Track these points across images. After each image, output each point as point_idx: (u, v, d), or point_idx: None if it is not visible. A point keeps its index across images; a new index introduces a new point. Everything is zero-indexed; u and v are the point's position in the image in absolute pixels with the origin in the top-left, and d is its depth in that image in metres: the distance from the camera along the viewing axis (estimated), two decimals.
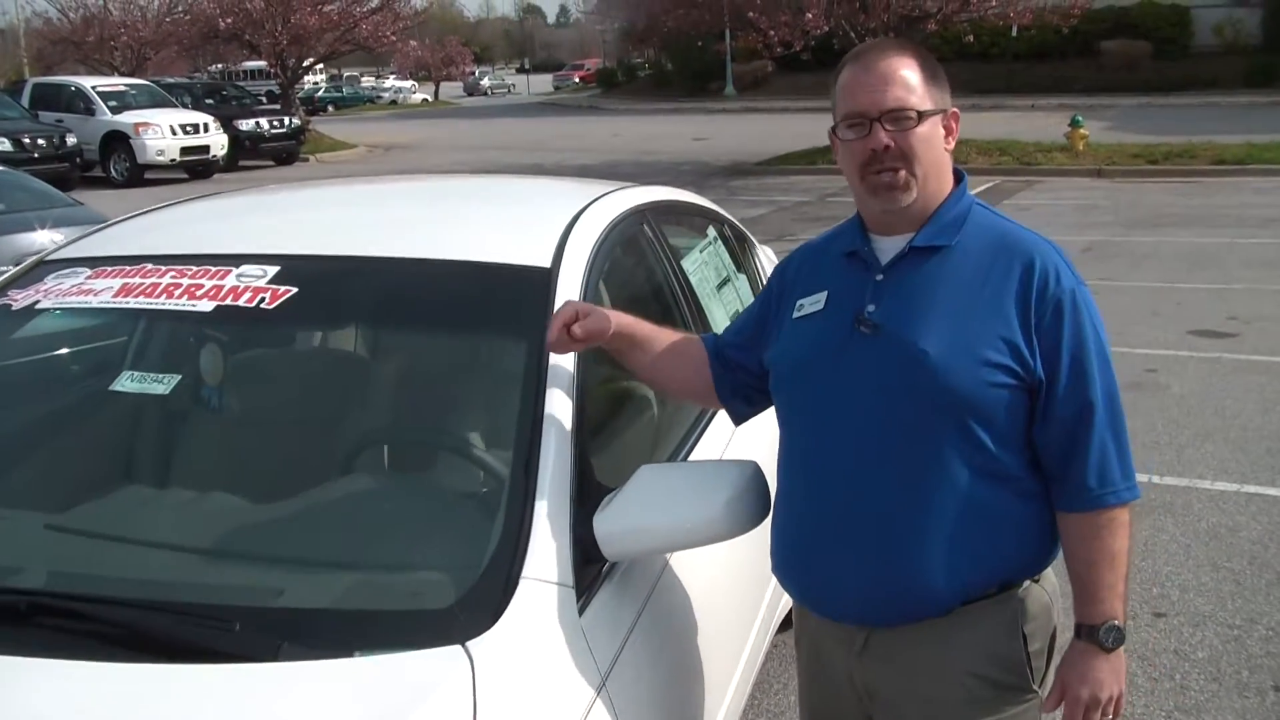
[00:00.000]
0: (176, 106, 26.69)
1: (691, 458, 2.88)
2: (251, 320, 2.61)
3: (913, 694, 2.23)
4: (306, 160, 29.67)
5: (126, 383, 2.64)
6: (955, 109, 2.21)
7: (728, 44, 38.43)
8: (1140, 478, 2.23)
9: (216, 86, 33.69)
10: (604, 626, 2.14)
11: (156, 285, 2.64)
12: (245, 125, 27.71)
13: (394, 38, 35.31)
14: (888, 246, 2.22)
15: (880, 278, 2.20)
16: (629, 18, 45.09)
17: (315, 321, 2.88)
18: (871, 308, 2.17)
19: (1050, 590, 2.26)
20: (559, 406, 2.34)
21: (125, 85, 27.60)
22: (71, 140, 23.23)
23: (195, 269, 2.67)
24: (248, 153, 27.71)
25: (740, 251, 4.30)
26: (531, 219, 3.04)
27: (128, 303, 2.63)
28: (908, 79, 2.13)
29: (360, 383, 2.87)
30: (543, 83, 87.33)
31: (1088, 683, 2.15)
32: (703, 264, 3.69)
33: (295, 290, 2.58)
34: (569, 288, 2.63)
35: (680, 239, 3.97)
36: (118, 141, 24.74)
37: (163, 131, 24.55)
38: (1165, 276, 11.45)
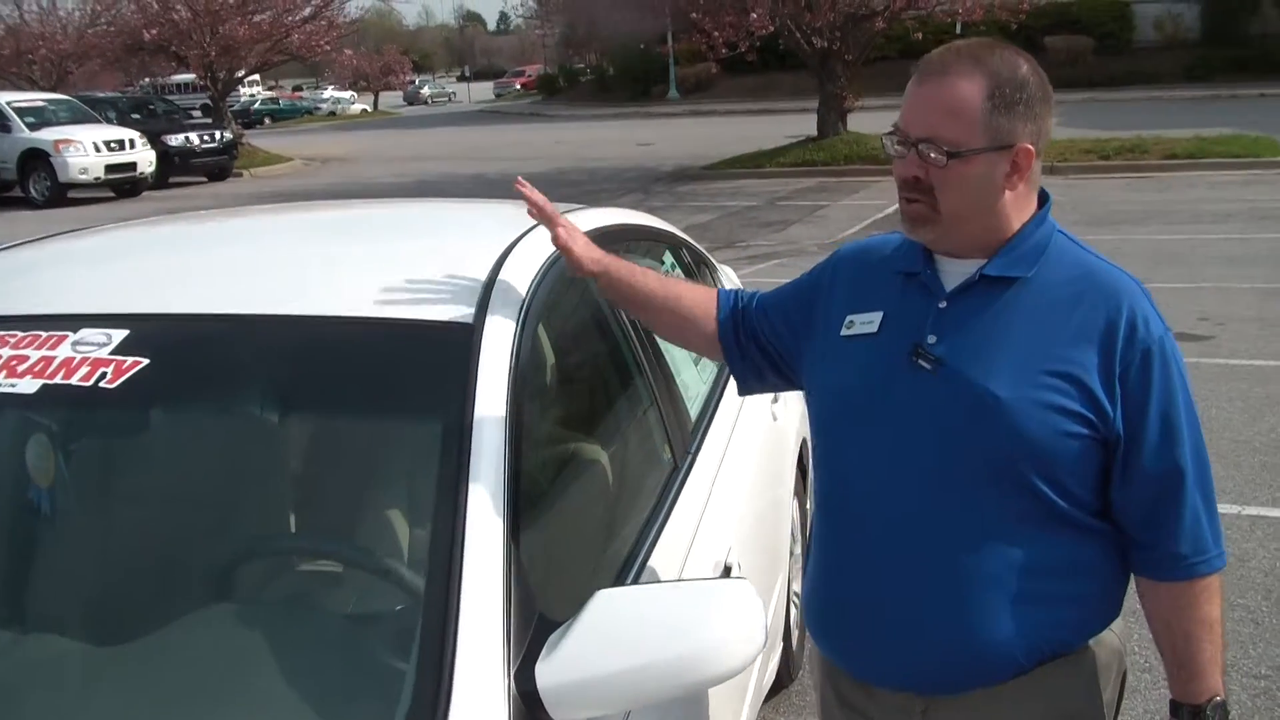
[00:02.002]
0: (100, 122, 25.69)
1: (658, 552, 2.33)
2: (88, 403, 2.04)
3: None
4: (240, 175, 28.80)
5: None
6: (1028, 145, 1.88)
7: (670, 46, 37.97)
8: None
9: (143, 100, 32.62)
10: None
11: None
12: (174, 141, 26.73)
13: (328, 47, 34.57)
14: (954, 270, 1.97)
15: (943, 305, 1.94)
16: (568, 21, 44.56)
17: (171, 403, 2.22)
18: (932, 339, 1.92)
19: (1119, 631, 2.04)
20: (486, 510, 1.80)
21: (44, 100, 26.47)
22: None
23: (21, 335, 2.11)
24: (178, 169, 26.79)
25: (700, 276, 3.76)
26: (450, 258, 2.47)
27: None
28: (958, 107, 1.85)
29: (228, 481, 2.26)
30: (484, 90, 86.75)
31: None
32: None
33: (145, 362, 2.03)
34: (498, 347, 2.10)
35: (642, 260, 3.45)
36: (37, 160, 23.69)
37: (85, 149, 23.56)
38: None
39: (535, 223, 2.71)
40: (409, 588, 1.82)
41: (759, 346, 2.25)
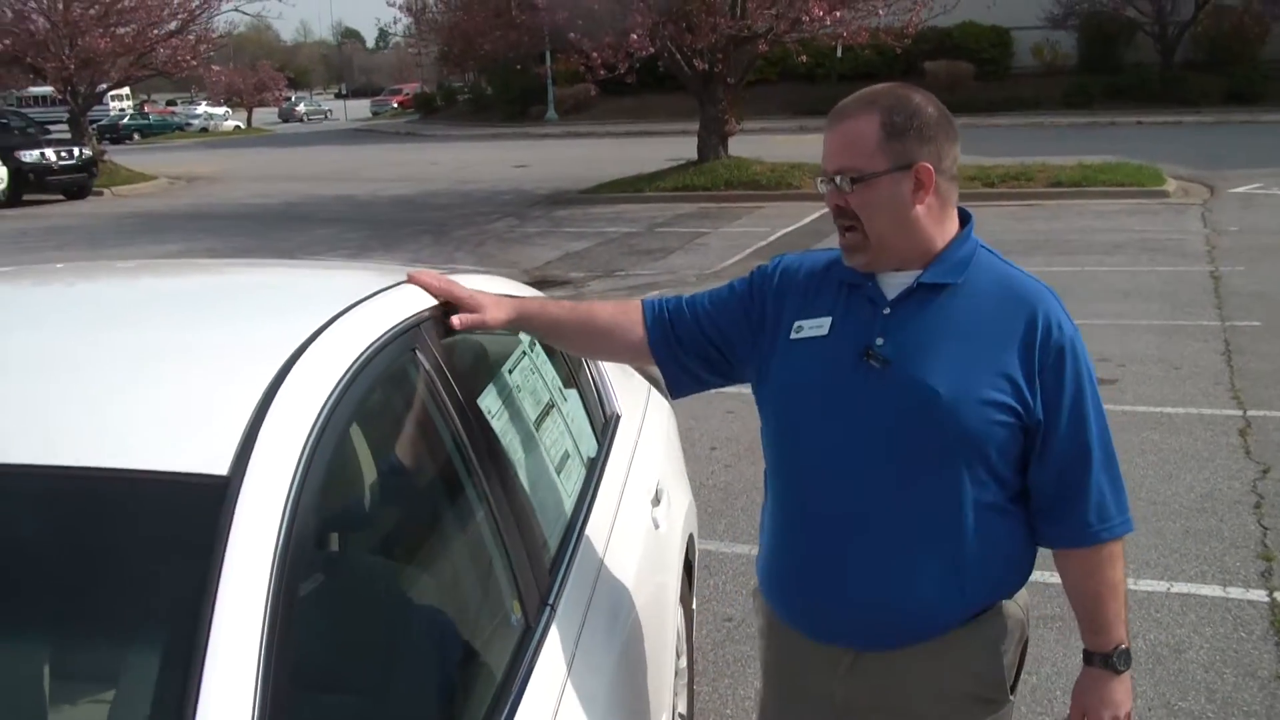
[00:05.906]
0: None
1: None
2: None
3: (896, 710, 2.28)
4: (101, 194, 27.56)
5: None
6: (925, 163, 2.13)
7: (548, 67, 37.36)
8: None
9: None
10: None
11: None
12: (29, 157, 25.46)
13: (194, 62, 33.26)
14: (893, 282, 2.22)
15: (888, 311, 2.20)
16: (445, 40, 43.65)
17: None
18: (880, 341, 2.17)
19: (1022, 603, 2.32)
20: None
21: None
22: None
23: None
24: (32, 186, 25.51)
25: (572, 357, 3.10)
26: (212, 366, 1.77)
27: None
28: (859, 141, 2.13)
29: None
30: (361, 108, 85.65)
31: (1108, 705, 2.23)
32: (511, 393, 2.48)
33: None
34: (265, 507, 1.42)
35: (491, 345, 2.80)
36: None
37: None
38: None
39: (358, 298, 2.09)
40: None
41: (693, 350, 2.40)
